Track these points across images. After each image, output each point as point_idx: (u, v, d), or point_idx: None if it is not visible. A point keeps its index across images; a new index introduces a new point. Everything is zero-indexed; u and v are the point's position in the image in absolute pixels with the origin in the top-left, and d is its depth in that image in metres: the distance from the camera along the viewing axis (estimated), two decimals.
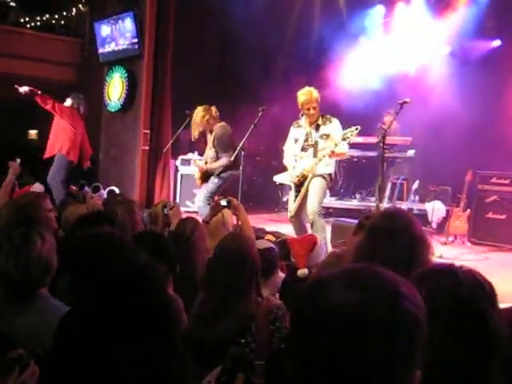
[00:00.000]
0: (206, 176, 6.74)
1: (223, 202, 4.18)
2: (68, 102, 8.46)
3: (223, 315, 2.35)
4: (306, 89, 5.78)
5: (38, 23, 11.38)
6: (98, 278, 1.72)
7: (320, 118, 5.76)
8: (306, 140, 5.77)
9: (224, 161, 6.54)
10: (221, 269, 2.52)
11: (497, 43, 8.65)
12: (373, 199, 8.78)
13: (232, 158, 6.46)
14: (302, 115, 5.89)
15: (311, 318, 0.98)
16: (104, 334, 1.38)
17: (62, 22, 11.53)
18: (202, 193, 6.63)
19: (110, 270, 1.58)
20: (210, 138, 6.72)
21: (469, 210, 7.47)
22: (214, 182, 6.60)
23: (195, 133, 6.72)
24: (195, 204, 6.75)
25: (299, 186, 5.72)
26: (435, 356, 1.22)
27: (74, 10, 11.38)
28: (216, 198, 6.08)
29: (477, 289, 1.37)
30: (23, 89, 8.26)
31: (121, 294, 1.44)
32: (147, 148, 9.63)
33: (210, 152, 6.69)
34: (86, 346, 1.40)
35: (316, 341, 0.95)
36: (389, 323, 0.95)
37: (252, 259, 2.53)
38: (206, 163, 6.73)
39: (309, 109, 5.67)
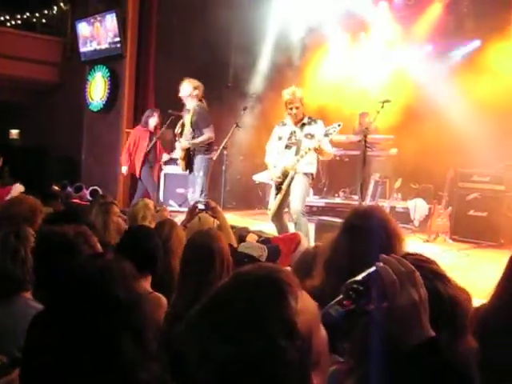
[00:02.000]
0: (188, 157, 6.79)
1: (200, 206, 4.18)
2: (155, 120, 8.13)
3: None
4: (291, 88, 5.82)
5: (19, 21, 11.27)
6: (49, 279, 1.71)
7: (306, 118, 5.79)
8: (289, 138, 5.78)
9: (207, 136, 6.67)
10: (190, 266, 2.52)
11: (476, 44, 8.72)
12: (356, 197, 8.81)
13: (217, 154, 6.54)
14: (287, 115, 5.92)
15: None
16: (62, 338, 1.37)
17: (43, 21, 11.43)
18: (197, 194, 6.65)
19: (60, 270, 1.57)
20: (187, 118, 6.81)
21: (450, 208, 7.53)
22: (200, 176, 6.66)
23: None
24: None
25: (280, 184, 5.72)
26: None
27: (55, 8, 11.28)
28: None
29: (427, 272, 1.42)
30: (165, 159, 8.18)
31: (69, 295, 1.43)
32: None
33: (187, 132, 6.77)
34: (47, 350, 1.39)
35: None
36: (275, 371, 0.87)
37: (221, 255, 2.52)
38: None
39: (291, 108, 5.69)
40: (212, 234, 2.63)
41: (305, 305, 0.94)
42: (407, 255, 1.49)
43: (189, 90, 6.77)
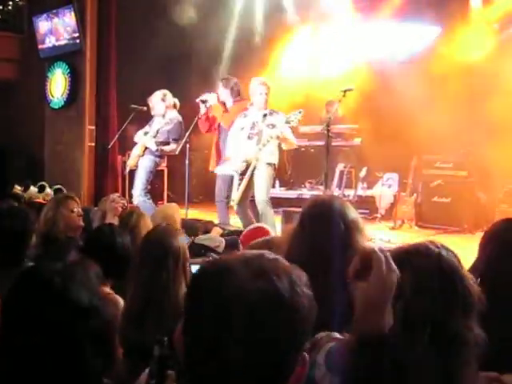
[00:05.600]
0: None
1: None
2: None
3: (151, 313, 2.29)
4: (260, 77, 6.09)
5: None
6: None
7: (268, 110, 5.83)
8: (252, 128, 5.81)
9: (173, 147, 6.77)
10: (143, 263, 2.46)
11: (438, 31, 8.82)
12: (322, 188, 8.84)
13: (179, 148, 6.56)
14: (251, 104, 5.95)
15: (217, 305, 0.97)
16: (21, 345, 1.32)
17: None
18: (137, 188, 6.71)
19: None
20: (158, 121, 6.87)
21: (415, 195, 7.62)
22: (144, 172, 6.80)
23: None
24: (135, 201, 6.77)
25: (242, 174, 5.73)
26: (420, 322, 1.34)
27: (10, 3, 10.99)
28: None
29: (453, 259, 1.49)
30: None
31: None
32: (93, 144, 9.46)
33: (152, 133, 6.81)
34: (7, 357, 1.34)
35: (221, 333, 0.96)
36: (293, 307, 0.99)
37: (176, 253, 2.46)
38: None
39: (261, 93, 5.81)
40: (168, 231, 2.57)
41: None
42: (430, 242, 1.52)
43: (159, 97, 6.88)
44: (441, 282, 1.42)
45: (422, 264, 1.45)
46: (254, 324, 0.95)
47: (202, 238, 3.23)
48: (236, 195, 5.79)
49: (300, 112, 5.55)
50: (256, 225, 4.90)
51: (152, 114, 7.05)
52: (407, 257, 1.48)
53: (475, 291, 1.44)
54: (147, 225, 3.47)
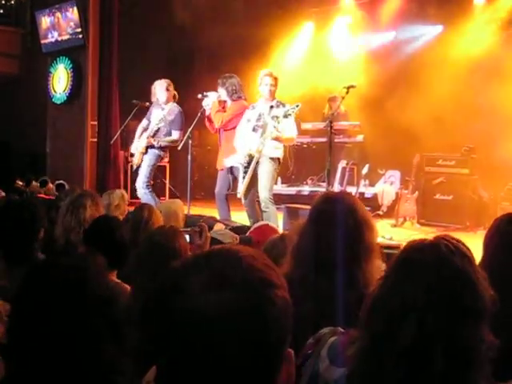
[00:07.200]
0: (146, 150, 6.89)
1: None
2: None
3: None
4: (267, 69, 6.06)
5: None
6: None
7: (275, 101, 5.83)
8: (258, 120, 5.80)
9: (175, 138, 6.73)
10: (145, 265, 2.44)
11: (439, 29, 8.82)
12: (324, 184, 8.84)
13: (182, 144, 6.53)
14: (260, 97, 5.96)
15: (168, 328, 0.84)
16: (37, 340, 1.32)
17: (1, 11, 11.12)
18: (139, 180, 6.73)
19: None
20: (157, 114, 6.82)
21: (417, 193, 7.62)
22: (146, 165, 6.77)
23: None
24: (138, 193, 6.78)
25: (246, 166, 5.72)
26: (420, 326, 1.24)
27: None
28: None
29: (464, 260, 1.37)
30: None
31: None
32: (95, 140, 9.46)
33: (154, 127, 6.77)
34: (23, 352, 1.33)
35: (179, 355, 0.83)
36: (258, 319, 0.83)
37: (178, 254, 2.44)
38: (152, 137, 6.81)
39: (267, 84, 5.79)
40: (170, 233, 2.55)
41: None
42: (443, 238, 1.44)
43: (164, 86, 6.81)
44: (446, 292, 1.31)
45: (431, 276, 1.33)
46: (210, 347, 0.81)
47: (217, 233, 3.22)
48: (241, 188, 5.78)
49: (298, 106, 5.58)
50: (262, 222, 4.90)
51: (152, 100, 7.00)
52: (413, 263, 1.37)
53: (488, 295, 1.33)
54: (159, 219, 3.48)
